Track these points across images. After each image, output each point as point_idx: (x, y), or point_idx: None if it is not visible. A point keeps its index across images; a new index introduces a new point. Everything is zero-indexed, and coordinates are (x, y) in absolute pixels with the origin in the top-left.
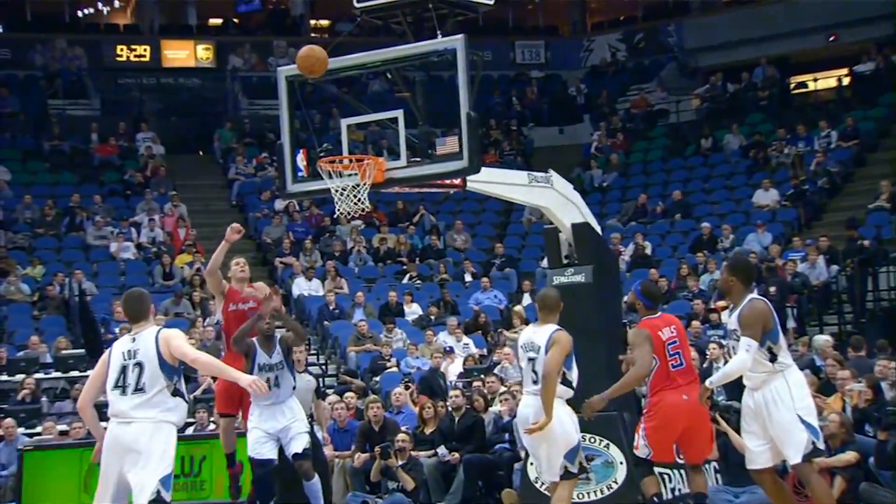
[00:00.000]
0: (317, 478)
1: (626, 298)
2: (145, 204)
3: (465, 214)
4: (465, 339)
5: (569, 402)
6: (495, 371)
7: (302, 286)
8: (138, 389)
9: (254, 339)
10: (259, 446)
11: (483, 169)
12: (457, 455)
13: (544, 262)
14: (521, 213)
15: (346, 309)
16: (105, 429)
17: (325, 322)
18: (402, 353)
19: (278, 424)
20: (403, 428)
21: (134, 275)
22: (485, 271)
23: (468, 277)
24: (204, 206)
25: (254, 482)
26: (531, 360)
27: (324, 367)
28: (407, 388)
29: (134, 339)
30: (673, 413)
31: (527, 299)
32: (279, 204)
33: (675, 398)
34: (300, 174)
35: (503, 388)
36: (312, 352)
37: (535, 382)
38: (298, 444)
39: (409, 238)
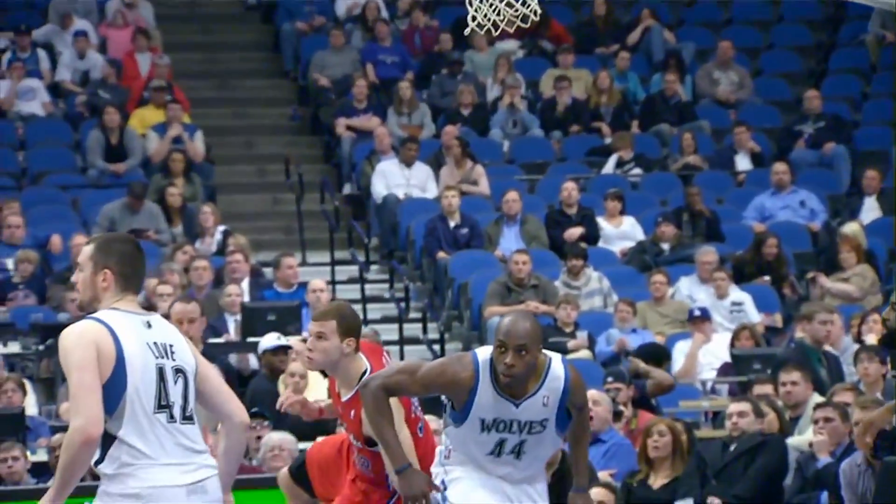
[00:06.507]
0: None
1: None
2: None
3: None
4: (736, 294)
5: None
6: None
7: (391, 176)
8: (187, 418)
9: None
10: None
11: None
12: None
13: None
14: None
15: (483, 226)
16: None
17: (440, 253)
18: (604, 318)
19: None
20: (608, 472)
21: (38, 148)
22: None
23: None
24: None
25: None
26: None
27: (435, 344)
28: (614, 390)
29: (150, 326)
30: None
31: None
32: (342, 6)
33: None
34: None
35: (818, 398)
36: (415, 313)
37: None
38: None
39: (617, 79)
